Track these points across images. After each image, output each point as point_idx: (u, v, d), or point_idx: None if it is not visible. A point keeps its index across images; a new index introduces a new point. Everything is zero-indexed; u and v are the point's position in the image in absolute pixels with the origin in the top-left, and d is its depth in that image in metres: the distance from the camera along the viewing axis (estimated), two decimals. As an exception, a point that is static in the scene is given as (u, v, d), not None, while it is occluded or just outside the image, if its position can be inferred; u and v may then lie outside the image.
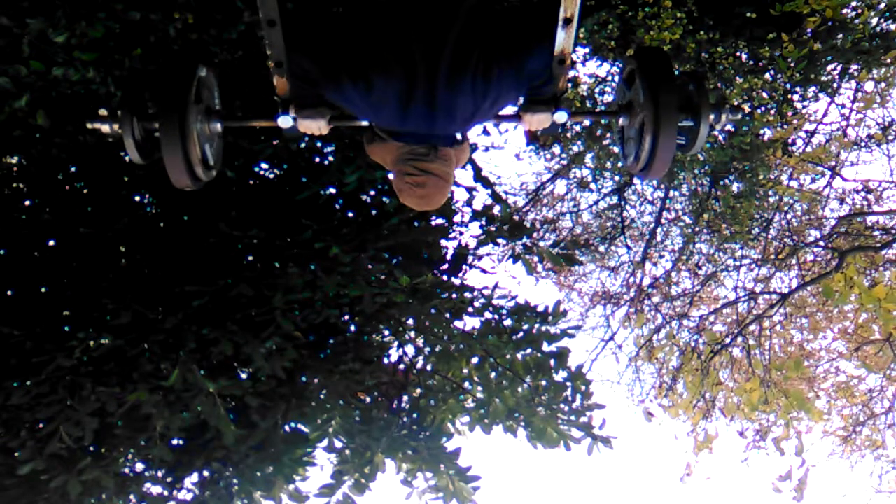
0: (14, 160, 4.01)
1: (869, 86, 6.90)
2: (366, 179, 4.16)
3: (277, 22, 1.76)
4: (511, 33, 1.86)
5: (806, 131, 7.32)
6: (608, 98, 7.47)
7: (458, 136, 2.00)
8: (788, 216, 8.31)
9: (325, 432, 4.81)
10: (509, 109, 2.02)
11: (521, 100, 2.04)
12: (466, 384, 5.20)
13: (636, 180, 9.08)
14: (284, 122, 2.00)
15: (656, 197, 9.29)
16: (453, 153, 1.99)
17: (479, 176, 4.78)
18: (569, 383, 4.89)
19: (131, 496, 4.39)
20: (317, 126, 2.03)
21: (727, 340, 8.48)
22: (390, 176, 2.08)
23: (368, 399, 5.06)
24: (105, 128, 2.01)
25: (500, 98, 1.89)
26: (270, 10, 1.74)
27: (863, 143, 7.37)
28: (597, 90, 7.46)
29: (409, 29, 1.80)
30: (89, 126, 2.02)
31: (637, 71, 2.01)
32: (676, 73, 2.03)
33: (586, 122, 7.64)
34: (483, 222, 4.81)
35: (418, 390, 5.20)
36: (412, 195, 1.97)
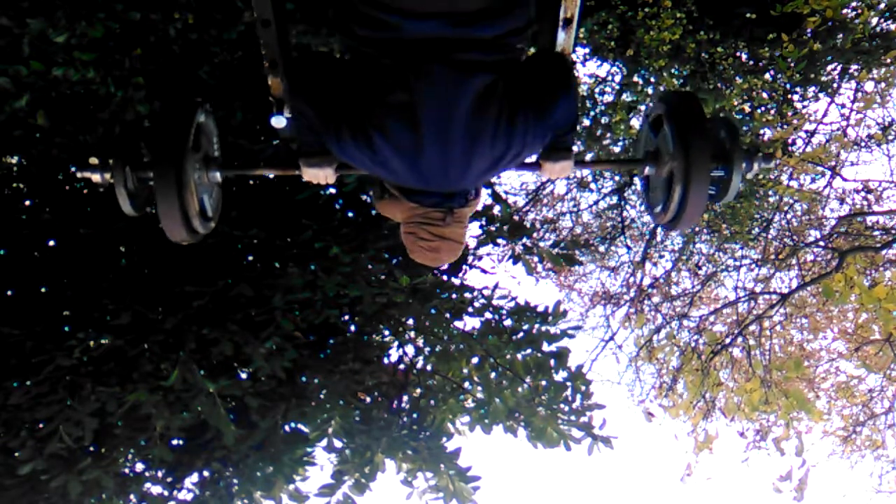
0: (14, 160, 4.01)
1: (869, 86, 6.90)
2: (366, 179, 4.16)
3: (272, 22, 1.75)
4: (532, 84, 1.71)
5: (806, 131, 7.32)
6: (608, 98, 7.47)
7: (473, 190, 1.87)
8: (788, 216, 8.31)
9: (324, 432, 4.81)
10: (528, 157, 1.89)
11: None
12: (466, 384, 5.20)
13: (636, 180, 9.08)
14: (278, 122, 1.96)
15: (656, 197, 9.27)
16: (467, 211, 1.87)
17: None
18: (569, 383, 4.89)
19: (131, 496, 4.40)
20: (323, 175, 1.92)
21: (727, 340, 8.47)
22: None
23: (368, 399, 5.06)
24: (96, 177, 1.85)
25: (525, 151, 1.74)
26: (265, 11, 1.73)
27: (863, 143, 7.37)
28: (597, 90, 7.46)
29: (416, 83, 1.63)
30: (79, 175, 1.87)
31: (666, 117, 1.88)
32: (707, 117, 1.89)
33: (586, 122, 7.65)
34: (483, 222, 4.81)
35: (418, 390, 5.20)
36: (425, 258, 1.87)
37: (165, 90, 3.58)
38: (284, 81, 1.91)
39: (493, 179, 5.27)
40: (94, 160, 1.84)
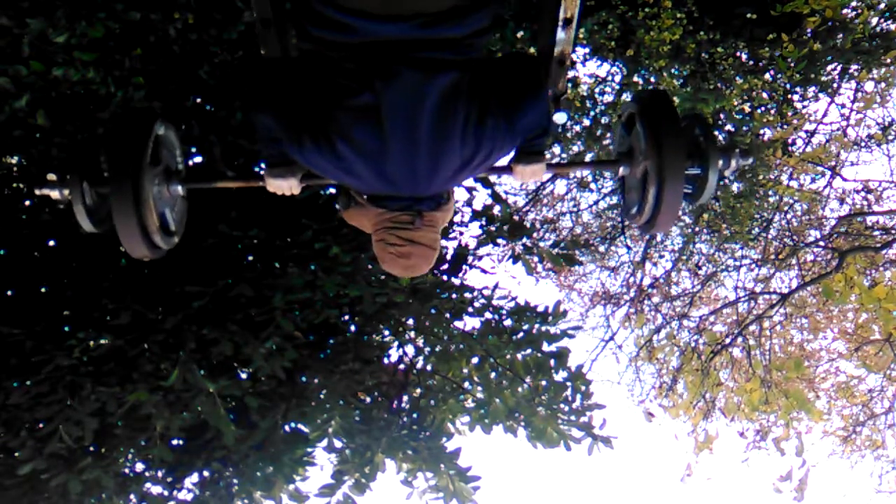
0: (14, 160, 4.01)
1: (869, 86, 6.90)
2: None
3: (272, 22, 1.74)
4: (502, 86, 1.67)
5: (806, 131, 7.32)
6: (608, 98, 7.47)
7: (444, 194, 1.81)
8: (788, 216, 8.31)
9: (325, 432, 4.81)
10: (500, 160, 1.82)
11: (513, 151, 1.86)
12: (466, 384, 5.20)
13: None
14: None
15: (656, 197, 9.27)
16: (439, 216, 1.80)
17: (478, 176, 4.78)
18: (569, 383, 4.89)
19: (131, 496, 4.40)
20: (288, 185, 1.85)
21: (727, 341, 8.47)
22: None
23: (368, 399, 5.06)
24: (54, 194, 1.79)
25: (494, 153, 1.69)
26: (265, 11, 1.72)
27: (863, 143, 7.37)
28: (597, 90, 7.45)
29: (379, 84, 1.59)
30: (37, 192, 1.81)
31: (637, 115, 1.83)
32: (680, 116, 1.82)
33: (586, 122, 7.65)
34: (483, 222, 4.82)
35: (418, 390, 5.20)
36: (396, 265, 1.80)
37: (165, 90, 3.58)
38: (240, 92, 1.86)
39: (493, 179, 5.26)
40: (51, 176, 1.78)
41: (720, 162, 1.79)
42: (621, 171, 1.95)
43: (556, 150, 8.99)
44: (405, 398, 5.14)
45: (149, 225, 1.77)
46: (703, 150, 1.81)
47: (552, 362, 4.89)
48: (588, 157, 7.37)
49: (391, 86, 1.58)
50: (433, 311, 4.82)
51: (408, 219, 1.75)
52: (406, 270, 1.82)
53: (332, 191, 4.38)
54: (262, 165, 1.88)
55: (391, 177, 1.65)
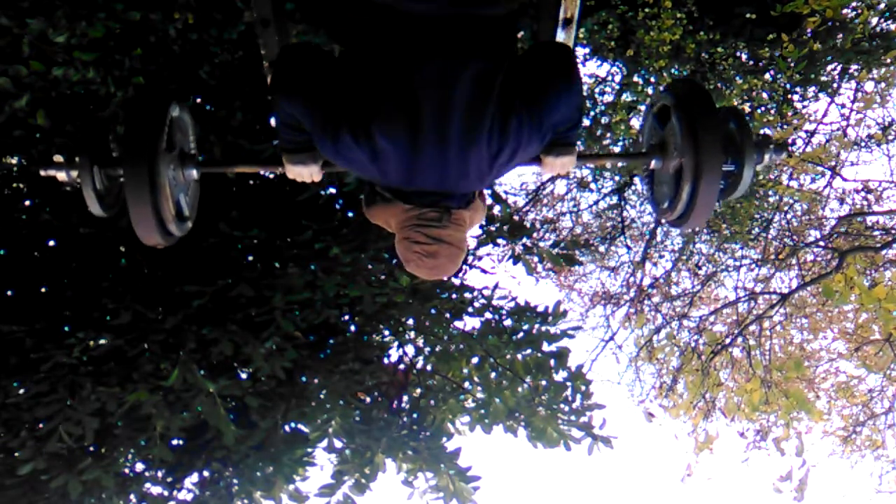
0: (14, 160, 4.01)
1: (869, 86, 6.90)
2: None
3: (272, 22, 1.74)
4: (532, 79, 1.61)
5: (806, 131, 7.32)
6: (608, 98, 7.46)
7: (473, 194, 1.75)
8: (788, 216, 8.31)
9: (325, 432, 4.81)
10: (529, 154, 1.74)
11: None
12: (466, 384, 5.20)
13: (636, 180, 9.07)
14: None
15: (656, 197, 9.27)
16: (467, 215, 1.73)
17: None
18: (569, 383, 4.89)
19: (131, 496, 4.40)
20: (308, 172, 1.81)
21: (727, 341, 8.47)
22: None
23: (368, 399, 5.06)
24: (61, 175, 1.72)
25: (520, 150, 1.63)
26: (265, 11, 1.72)
27: (863, 143, 7.37)
28: (597, 90, 7.45)
29: (416, 74, 1.55)
30: (43, 174, 1.74)
31: (673, 108, 1.76)
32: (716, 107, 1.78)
33: (586, 122, 7.64)
34: (483, 222, 4.81)
35: (418, 390, 5.19)
36: (422, 266, 1.70)
37: (165, 90, 3.58)
38: (270, 77, 1.75)
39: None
40: (58, 158, 1.71)
41: (755, 156, 1.74)
42: (653, 164, 1.89)
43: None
44: (405, 398, 5.14)
45: (164, 212, 1.71)
46: (738, 144, 1.74)
47: (552, 362, 4.89)
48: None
49: (425, 74, 1.54)
50: (433, 311, 4.82)
51: (436, 216, 1.66)
52: (432, 272, 1.73)
53: (332, 191, 4.38)
54: (282, 151, 1.80)
55: (421, 171, 1.59)
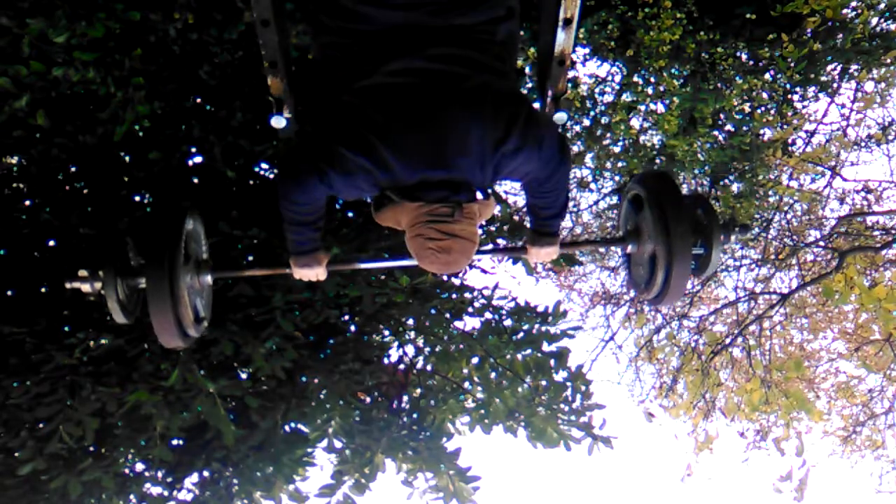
0: (14, 160, 4.01)
1: (869, 86, 6.91)
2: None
3: (272, 22, 1.74)
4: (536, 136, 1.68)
5: (806, 131, 7.32)
6: (608, 98, 7.47)
7: (480, 193, 1.79)
8: (788, 216, 8.31)
9: (324, 432, 4.81)
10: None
11: (528, 231, 2.03)
12: (466, 384, 5.20)
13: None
14: (278, 122, 1.94)
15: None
16: (477, 208, 1.75)
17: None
18: (569, 383, 4.89)
19: (131, 496, 4.39)
20: (314, 273, 1.96)
21: (727, 341, 8.47)
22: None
23: (368, 399, 5.06)
24: (86, 287, 1.91)
25: (526, 150, 1.68)
26: (265, 11, 1.73)
27: (863, 143, 7.37)
28: (597, 90, 7.46)
29: (401, 72, 1.60)
30: (68, 286, 1.94)
31: (646, 200, 1.93)
32: (684, 196, 1.97)
33: (586, 122, 7.65)
34: (483, 222, 4.81)
35: (418, 390, 5.19)
36: (435, 262, 1.72)
37: (165, 90, 3.58)
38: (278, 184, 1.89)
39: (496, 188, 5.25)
40: (83, 273, 1.91)
41: (722, 238, 1.93)
42: (629, 248, 2.09)
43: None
44: (405, 398, 5.14)
45: (184, 319, 1.86)
46: (706, 229, 1.94)
47: (552, 362, 4.88)
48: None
49: (410, 78, 1.59)
50: (433, 311, 4.82)
51: (447, 211, 1.67)
52: (445, 266, 1.75)
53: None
54: (289, 254, 1.95)
55: (419, 146, 1.61)
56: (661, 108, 6.80)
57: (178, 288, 1.79)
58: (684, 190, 8.98)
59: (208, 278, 2.05)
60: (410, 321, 5.01)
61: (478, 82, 1.62)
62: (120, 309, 1.92)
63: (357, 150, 1.61)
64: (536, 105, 1.88)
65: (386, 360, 5.08)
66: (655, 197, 1.90)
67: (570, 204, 9.91)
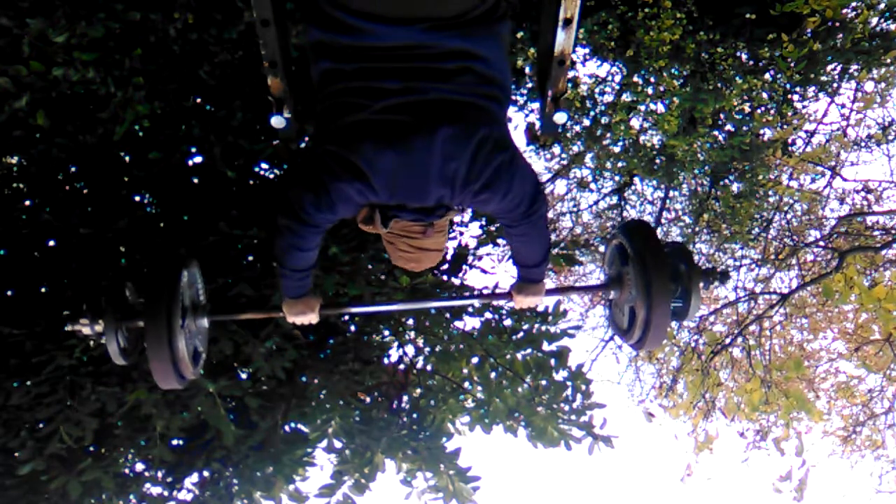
0: (14, 160, 4.01)
1: (869, 86, 6.91)
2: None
3: (272, 21, 1.74)
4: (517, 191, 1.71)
5: (806, 131, 7.32)
6: (608, 98, 7.47)
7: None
8: (788, 216, 8.31)
9: (324, 432, 4.81)
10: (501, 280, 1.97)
11: (514, 279, 2.08)
12: (466, 384, 5.20)
13: (636, 180, 9.08)
14: (278, 122, 1.94)
15: (656, 197, 9.30)
16: (446, 221, 1.84)
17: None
18: (569, 383, 4.89)
19: (131, 496, 4.39)
20: (307, 319, 2.03)
21: (727, 341, 8.47)
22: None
23: (368, 399, 5.06)
24: (86, 330, 2.00)
25: (495, 185, 1.67)
26: (265, 11, 1.72)
27: (863, 143, 7.37)
28: (597, 90, 7.46)
29: (386, 96, 1.59)
30: (68, 329, 2.03)
31: (629, 249, 2.02)
32: (664, 245, 2.06)
33: (586, 122, 7.65)
34: (483, 222, 4.81)
35: (418, 390, 5.19)
36: (405, 266, 1.95)
37: (165, 90, 3.58)
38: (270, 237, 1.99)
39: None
40: (84, 320, 2.01)
41: (701, 285, 2.02)
42: (612, 294, 2.19)
43: (556, 150, 9.00)
44: (405, 398, 5.14)
45: (181, 363, 1.94)
46: (686, 278, 2.02)
47: (552, 362, 4.88)
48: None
49: (395, 104, 1.59)
50: (433, 310, 4.82)
51: (419, 229, 1.81)
52: (415, 269, 1.97)
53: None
54: (283, 298, 2.02)
55: (402, 194, 1.66)
56: (661, 108, 6.81)
57: (175, 335, 1.87)
58: (684, 190, 8.98)
59: (205, 321, 2.16)
60: (410, 321, 5.01)
61: (468, 120, 1.62)
62: (119, 353, 2.02)
63: (353, 179, 1.65)
64: (526, 143, 1.93)
65: (386, 360, 5.08)
66: (638, 253, 1.97)
67: (570, 204, 9.92)
